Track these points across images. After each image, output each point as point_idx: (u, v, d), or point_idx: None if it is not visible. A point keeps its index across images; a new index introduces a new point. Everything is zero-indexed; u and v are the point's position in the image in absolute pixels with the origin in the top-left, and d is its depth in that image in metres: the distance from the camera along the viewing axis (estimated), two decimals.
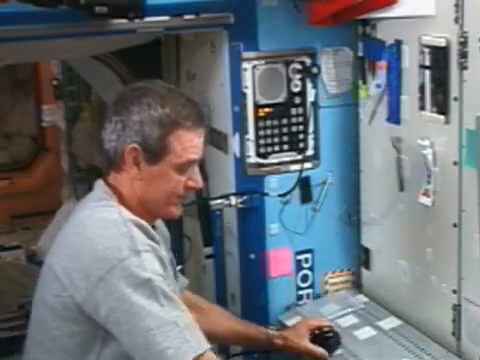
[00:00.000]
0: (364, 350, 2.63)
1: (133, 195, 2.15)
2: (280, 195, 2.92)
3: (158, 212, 2.20)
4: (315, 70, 2.91)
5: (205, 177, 3.15)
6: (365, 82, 2.88)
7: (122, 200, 2.14)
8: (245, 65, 2.84)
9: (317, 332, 2.62)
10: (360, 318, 2.85)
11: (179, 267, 2.51)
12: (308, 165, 2.97)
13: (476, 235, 2.37)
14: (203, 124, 2.15)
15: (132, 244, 2.00)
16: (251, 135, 2.90)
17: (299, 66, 2.90)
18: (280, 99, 2.90)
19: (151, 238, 2.06)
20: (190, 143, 2.09)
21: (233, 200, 2.94)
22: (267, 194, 2.91)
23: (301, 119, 2.94)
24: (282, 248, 2.99)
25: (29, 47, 2.79)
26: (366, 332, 2.74)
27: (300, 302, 3.03)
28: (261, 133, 2.90)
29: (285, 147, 2.94)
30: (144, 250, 2.01)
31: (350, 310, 2.92)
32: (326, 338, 2.62)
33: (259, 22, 2.81)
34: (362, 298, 3.00)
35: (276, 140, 2.92)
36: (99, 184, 2.20)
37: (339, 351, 2.64)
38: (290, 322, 2.89)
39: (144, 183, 2.12)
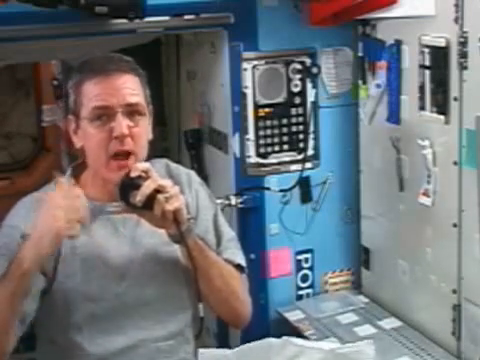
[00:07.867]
0: None
1: (89, 165, 2.17)
2: (281, 190, 2.93)
3: (103, 177, 2.12)
4: (315, 70, 2.91)
5: (205, 177, 3.15)
6: (365, 82, 2.88)
7: (87, 174, 2.18)
8: (245, 65, 2.84)
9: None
10: (360, 316, 2.85)
11: None
12: (308, 165, 2.97)
13: (476, 235, 2.37)
14: (108, 68, 2.06)
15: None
16: (251, 135, 2.90)
17: (299, 66, 2.90)
18: (280, 99, 2.90)
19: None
20: (92, 93, 2.06)
21: (233, 200, 2.94)
22: (268, 188, 2.92)
23: (301, 119, 2.94)
24: (282, 248, 2.99)
25: (29, 47, 2.78)
26: (366, 329, 2.74)
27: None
28: (261, 133, 2.90)
29: (285, 147, 2.94)
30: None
31: (350, 308, 2.92)
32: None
33: (259, 22, 2.81)
34: (362, 299, 3.00)
35: (276, 140, 2.92)
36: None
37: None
38: (290, 315, 2.90)
39: (86, 150, 2.12)
